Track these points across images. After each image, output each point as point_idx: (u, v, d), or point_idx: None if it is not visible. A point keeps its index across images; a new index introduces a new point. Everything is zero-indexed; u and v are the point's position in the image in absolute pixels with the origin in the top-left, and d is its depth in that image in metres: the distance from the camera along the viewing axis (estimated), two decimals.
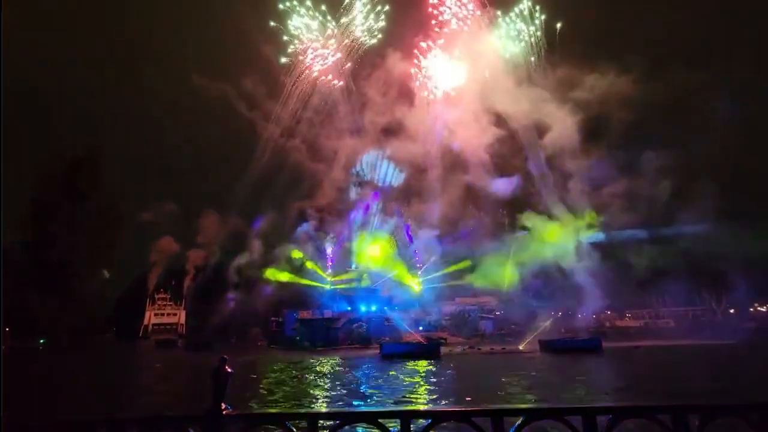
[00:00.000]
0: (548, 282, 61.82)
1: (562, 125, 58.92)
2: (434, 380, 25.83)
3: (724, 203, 54.21)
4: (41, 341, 62.66)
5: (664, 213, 56.76)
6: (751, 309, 73.43)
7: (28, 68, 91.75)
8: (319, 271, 70.62)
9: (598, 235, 59.66)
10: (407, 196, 71.68)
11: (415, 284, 68.02)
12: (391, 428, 3.67)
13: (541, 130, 61.77)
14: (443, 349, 44.76)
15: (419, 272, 68.53)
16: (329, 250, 72.29)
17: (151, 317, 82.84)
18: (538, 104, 59.72)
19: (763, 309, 73.63)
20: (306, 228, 71.87)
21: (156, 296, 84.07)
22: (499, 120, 62.45)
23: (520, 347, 48.43)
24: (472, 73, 65.41)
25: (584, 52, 62.16)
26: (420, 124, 67.12)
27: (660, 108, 61.90)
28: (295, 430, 3.50)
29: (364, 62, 70.35)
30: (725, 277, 63.45)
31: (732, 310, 73.33)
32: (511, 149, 63.53)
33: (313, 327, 58.45)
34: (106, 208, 66.06)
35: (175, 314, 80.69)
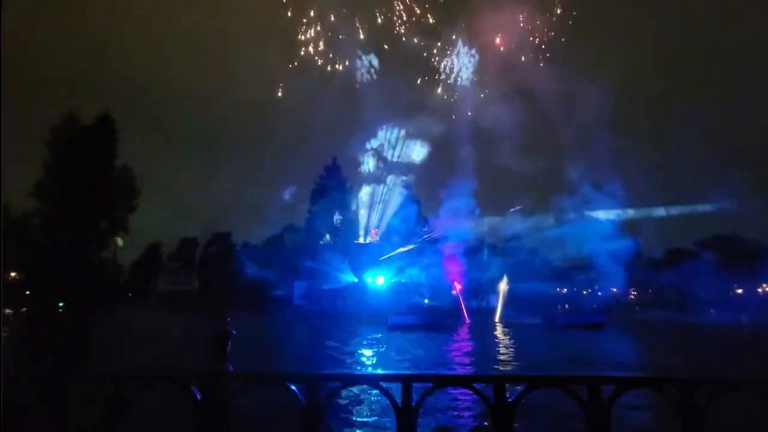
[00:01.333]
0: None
1: (591, 100, 56.90)
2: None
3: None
4: (60, 304, 64.94)
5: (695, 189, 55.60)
6: (759, 290, 73.02)
7: (37, 33, 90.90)
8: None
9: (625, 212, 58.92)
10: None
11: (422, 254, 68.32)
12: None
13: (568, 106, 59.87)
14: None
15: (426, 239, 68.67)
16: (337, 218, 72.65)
17: (163, 284, 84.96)
18: (565, 80, 57.60)
19: None
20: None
21: (169, 265, 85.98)
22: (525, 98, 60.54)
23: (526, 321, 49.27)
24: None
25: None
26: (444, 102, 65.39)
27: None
28: (296, 389, 3.61)
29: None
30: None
31: (739, 291, 73.12)
32: (541, 127, 61.86)
33: (320, 297, 59.75)
34: (120, 175, 66.65)
35: (187, 282, 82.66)
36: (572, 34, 62.24)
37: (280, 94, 70.89)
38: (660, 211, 55.07)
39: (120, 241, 73.45)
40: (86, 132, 63.65)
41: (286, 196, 74.19)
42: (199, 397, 3.52)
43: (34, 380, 3.73)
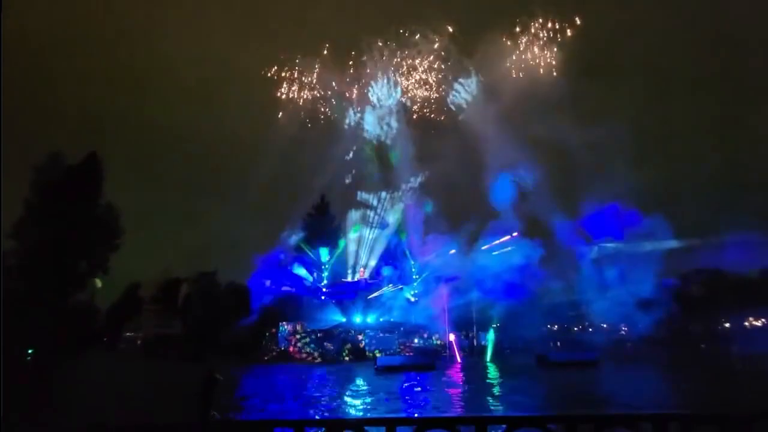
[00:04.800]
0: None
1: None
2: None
3: None
4: (29, 351, 61.56)
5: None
6: (746, 323, 73.71)
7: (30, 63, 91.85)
8: (310, 278, 70.32)
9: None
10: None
11: (411, 295, 67.83)
12: None
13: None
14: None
15: (415, 283, 68.35)
16: (325, 258, 72.05)
17: (145, 328, 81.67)
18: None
19: (759, 323, 73.83)
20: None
21: (150, 307, 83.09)
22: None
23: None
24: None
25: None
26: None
27: None
28: None
29: None
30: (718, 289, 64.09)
31: (727, 324, 73.61)
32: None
33: (305, 338, 58.06)
34: (104, 213, 65.59)
35: (170, 326, 79.74)
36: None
37: (279, 115, 71.56)
38: (667, 243, 55.58)
39: (99, 283, 71.21)
40: (72, 171, 63.14)
41: (274, 233, 73.72)
42: None
43: None
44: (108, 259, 66.09)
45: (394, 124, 69.52)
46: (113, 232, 65.12)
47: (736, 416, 3.95)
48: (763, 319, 69.27)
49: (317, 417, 16.36)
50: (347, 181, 72.35)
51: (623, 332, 75.65)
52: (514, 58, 63.06)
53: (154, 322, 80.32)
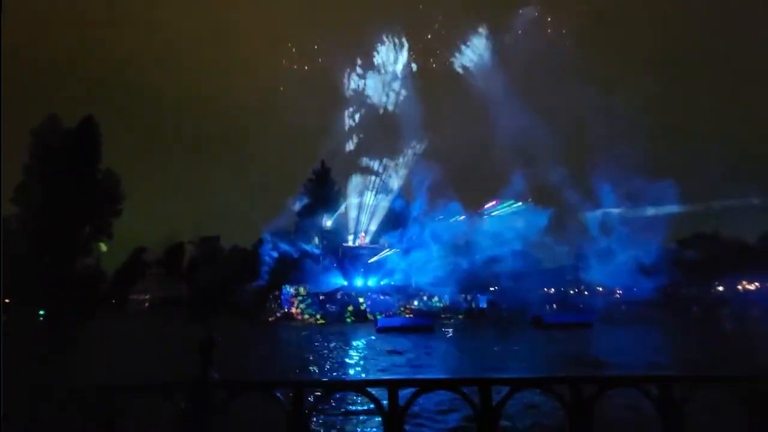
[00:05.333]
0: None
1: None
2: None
3: None
4: (40, 312, 63.22)
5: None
6: (739, 287, 74.91)
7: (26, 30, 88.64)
8: (313, 242, 70.92)
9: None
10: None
11: (412, 258, 68.38)
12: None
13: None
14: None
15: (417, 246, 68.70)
16: (328, 222, 72.37)
17: (151, 290, 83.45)
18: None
19: (752, 287, 75.03)
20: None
21: (154, 271, 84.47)
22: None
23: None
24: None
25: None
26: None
27: None
28: (281, 397, 3.61)
29: None
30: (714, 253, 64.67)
31: (720, 288, 74.90)
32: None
33: (307, 301, 59.46)
34: (104, 178, 65.33)
35: (175, 288, 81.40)
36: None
37: (282, 88, 70.00)
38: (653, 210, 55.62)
39: (104, 247, 72.04)
40: (69, 135, 62.28)
41: (276, 199, 73.78)
42: (184, 405, 3.51)
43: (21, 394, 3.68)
44: (111, 224, 66.61)
45: (398, 89, 67.84)
46: (114, 197, 65.16)
47: (743, 378, 3.95)
48: (756, 283, 70.26)
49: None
50: (350, 148, 71.56)
51: (618, 295, 77.15)
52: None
53: (160, 284, 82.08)
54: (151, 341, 34.97)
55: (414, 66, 68.20)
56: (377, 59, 67.65)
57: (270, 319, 59.91)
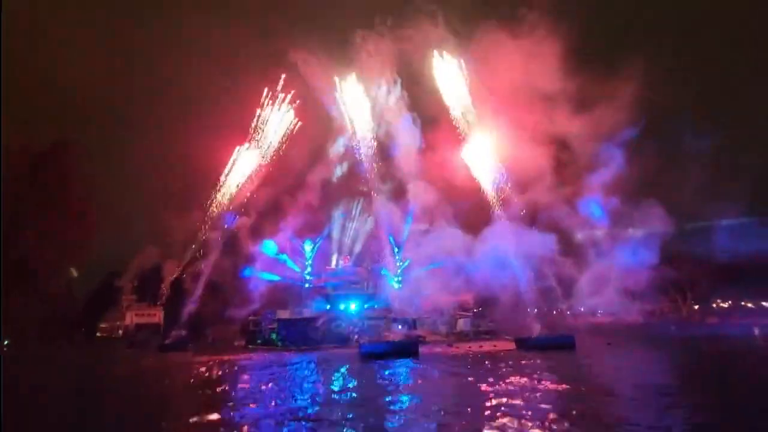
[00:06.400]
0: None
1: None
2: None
3: None
4: (5, 342, 60.04)
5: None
6: (714, 305, 77.02)
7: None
8: (296, 268, 69.94)
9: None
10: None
11: (395, 280, 68.13)
12: None
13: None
14: (423, 349, 45.37)
15: (399, 268, 68.56)
16: (308, 248, 71.58)
17: (132, 318, 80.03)
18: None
19: (725, 305, 77.30)
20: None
21: (130, 297, 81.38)
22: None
23: (495, 345, 49.48)
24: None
25: None
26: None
27: None
28: None
29: None
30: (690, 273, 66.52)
31: (696, 306, 76.77)
32: None
33: (290, 327, 58.00)
34: (76, 203, 63.33)
35: (153, 314, 78.49)
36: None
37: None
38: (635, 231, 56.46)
39: (74, 272, 69.41)
40: (41, 158, 60.56)
41: (260, 224, 72.45)
42: None
43: None
44: (83, 248, 64.35)
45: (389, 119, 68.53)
46: (88, 220, 63.15)
47: None
48: (729, 301, 72.47)
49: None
50: (336, 175, 71.50)
51: (600, 314, 78.17)
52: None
53: (134, 310, 78.92)
54: (119, 373, 33.30)
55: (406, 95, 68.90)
56: (371, 92, 68.74)
57: (250, 346, 58.22)
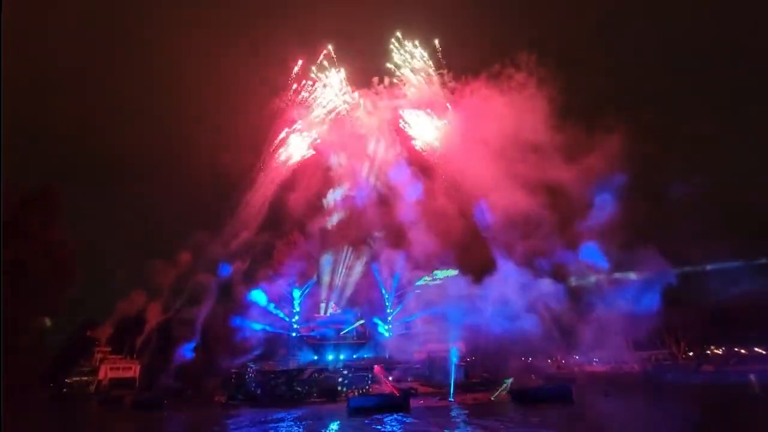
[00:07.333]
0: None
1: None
2: None
3: None
4: None
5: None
6: (708, 352, 75.94)
7: None
8: (284, 317, 67.70)
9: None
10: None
11: (385, 329, 66.30)
12: None
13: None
14: (414, 401, 43.27)
15: (389, 317, 67.03)
16: (297, 295, 69.78)
17: (106, 372, 75.34)
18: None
19: (719, 351, 76.27)
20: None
21: (104, 349, 77.12)
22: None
23: (492, 398, 47.39)
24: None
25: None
26: None
27: None
28: None
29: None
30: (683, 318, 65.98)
31: (691, 353, 75.53)
32: None
33: (275, 380, 54.98)
34: (55, 250, 61.23)
35: (129, 368, 74.07)
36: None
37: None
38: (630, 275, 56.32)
39: (48, 322, 65.87)
40: (26, 205, 59.23)
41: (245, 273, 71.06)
42: None
43: None
44: (60, 297, 61.48)
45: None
46: (66, 269, 60.82)
47: None
48: (723, 348, 71.58)
49: None
50: (331, 223, 71.90)
51: (595, 362, 76.34)
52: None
53: (109, 364, 74.34)
54: None
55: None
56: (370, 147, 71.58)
57: (231, 401, 54.68)
